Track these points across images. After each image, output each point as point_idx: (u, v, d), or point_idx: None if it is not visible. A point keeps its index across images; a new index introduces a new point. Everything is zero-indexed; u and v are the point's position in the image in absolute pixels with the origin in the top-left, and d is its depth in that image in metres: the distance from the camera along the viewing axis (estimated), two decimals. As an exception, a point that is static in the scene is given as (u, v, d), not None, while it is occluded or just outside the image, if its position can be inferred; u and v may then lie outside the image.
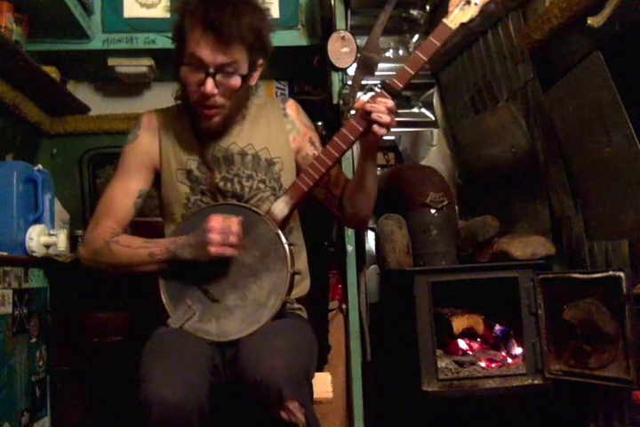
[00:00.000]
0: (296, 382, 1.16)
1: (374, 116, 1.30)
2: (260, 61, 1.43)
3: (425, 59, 1.32)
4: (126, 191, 1.47)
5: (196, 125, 1.47)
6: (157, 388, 1.12)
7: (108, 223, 1.44)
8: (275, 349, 1.21)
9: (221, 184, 1.46)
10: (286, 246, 1.36)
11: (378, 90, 1.33)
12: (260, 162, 1.48)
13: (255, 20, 1.35)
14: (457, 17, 1.32)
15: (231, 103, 1.40)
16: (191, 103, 1.39)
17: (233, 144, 1.48)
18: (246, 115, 1.51)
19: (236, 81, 1.36)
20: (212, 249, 1.30)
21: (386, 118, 1.29)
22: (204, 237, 1.30)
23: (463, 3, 1.32)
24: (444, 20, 1.33)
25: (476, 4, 1.31)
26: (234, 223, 1.31)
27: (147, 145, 1.49)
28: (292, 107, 1.56)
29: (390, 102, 1.31)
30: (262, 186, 1.47)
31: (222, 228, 1.30)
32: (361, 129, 1.35)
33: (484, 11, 1.33)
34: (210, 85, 1.33)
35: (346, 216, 1.52)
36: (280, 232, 1.37)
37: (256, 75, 1.45)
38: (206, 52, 1.31)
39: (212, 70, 1.33)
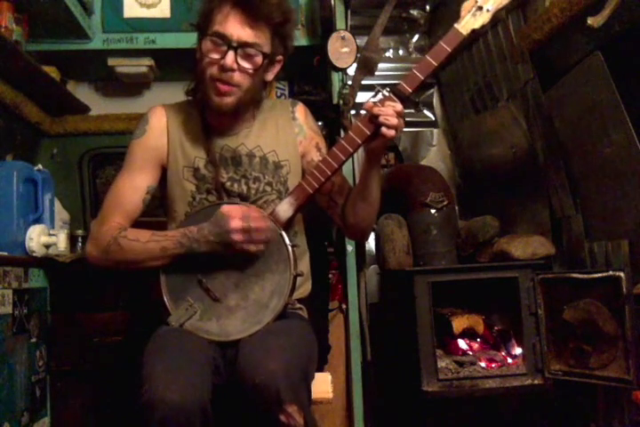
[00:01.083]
0: (294, 386, 1.16)
1: (382, 119, 1.29)
2: (279, 57, 1.43)
3: (435, 64, 1.31)
4: (134, 187, 1.45)
5: (206, 121, 1.46)
6: (160, 388, 1.11)
7: (115, 219, 1.42)
8: (273, 351, 1.21)
9: (228, 184, 1.45)
10: (289, 248, 1.36)
11: (386, 93, 1.33)
12: (268, 164, 1.48)
13: (283, 2, 1.37)
14: (468, 23, 1.30)
15: (247, 86, 1.37)
16: (206, 79, 1.36)
17: (241, 145, 1.47)
18: (256, 115, 1.50)
19: (257, 59, 1.36)
20: (238, 247, 1.30)
21: (394, 121, 1.29)
22: (227, 238, 1.30)
23: (475, 8, 1.30)
24: (455, 25, 1.31)
25: (488, 10, 1.29)
26: (255, 220, 1.30)
27: (155, 141, 1.47)
28: (300, 110, 1.55)
29: (399, 106, 1.30)
30: (269, 188, 1.47)
31: (244, 228, 1.29)
32: (368, 132, 1.34)
33: (495, 17, 1.31)
34: (231, 58, 1.32)
35: (347, 226, 1.50)
36: (283, 233, 1.37)
37: (273, 70, 1.44)
38: (233, 26, 1.32)
39: (235, 44, 1.33)
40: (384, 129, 1.30)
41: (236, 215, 1.30)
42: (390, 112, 1.29)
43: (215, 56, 1.34)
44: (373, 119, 1.31)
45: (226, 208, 1.32)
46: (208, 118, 1.46)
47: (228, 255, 1.34)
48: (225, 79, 1.35)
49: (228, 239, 1.30)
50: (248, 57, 1.35)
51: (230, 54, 1.33)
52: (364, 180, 1.42)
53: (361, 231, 1.54)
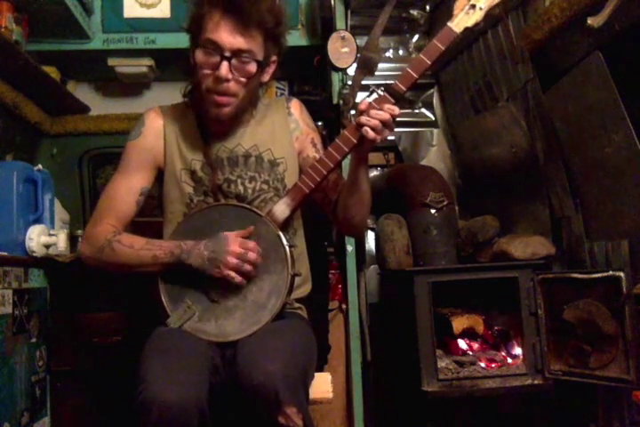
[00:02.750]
0: (293, 387, 1.16)
1: (363, 130, 1.29)
2: (274, 58, 1.43)
3: (429, 62, 1.31)
4: (129, 189, 1.45)
5: (203, 123, 1.46)
6: (158, 388, 1.11)
7: (109, 221, 1.42)
8: (271, 352, 1.21)
9: (225, 186, 1.45)
10: (287, 248, 1.36)
11: (381, 92, 1.32)
12: (263, 163, 1.47)
13: (274, 5, 1.36)
14: (462, 21, 1.30)
15: (244, 94, 1.37)
16: (203, 91, 1.36)
17: (238, 146, 1.47)
18: (254, 115, 1.50)
19: (251, 67, 1.35)
20: (225, 272, 1.31)
21: (371, 134, 1.28)
22: (221, 256, 1.30)
23: (468, 7, 1.30)
24: (448, 23, 1.31)
25: (481, 8, 1.29)
26: (253, 251, 1.32)
27: (151, 143, 1.47)
28: (295, 106, 1.55)
29: (386, 115, 1.28)
30: (266, 187, 1.47)
31: (241, 254, 1.30)
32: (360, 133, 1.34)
33: (488, 15, 1.31)
34: (225, 69, 1.32)
35: (340, 222, 1.50)
36: (281, 234, 1.37)
37: (269, 71, 1.44)
38: (225, 35, 1.31)
39: (228, 54, 1.32)
40: (367, 136, 1.29)
41: (236, 241, 1.32)
42: (375, 123, 1.28)
43: (209, 67, 1.34)
44: (358, 128, 1.31)
45: (230, 234, 1.33)
46: (205, 122, 1.46)
47: (211, 277, 1.33)
48: (221, 90, 1.35)
49: (222, 259, 1.31)
50: (242, 66, 1.34)
51: (224, 65, 1.32)
52: (354, 174, 1.41)
53: (353, 226, 1.53)
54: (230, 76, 1.33)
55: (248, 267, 1.32)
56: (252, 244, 1.33)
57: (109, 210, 1.44)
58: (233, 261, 1.30)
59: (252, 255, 1.31)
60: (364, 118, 1.29)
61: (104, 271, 1.43)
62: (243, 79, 1.35)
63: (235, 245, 1.31)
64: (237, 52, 1.33)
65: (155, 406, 1.09)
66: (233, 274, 1.31)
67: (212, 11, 1.32)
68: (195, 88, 1.41)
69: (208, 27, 1.33)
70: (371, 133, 1.28)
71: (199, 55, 1.35)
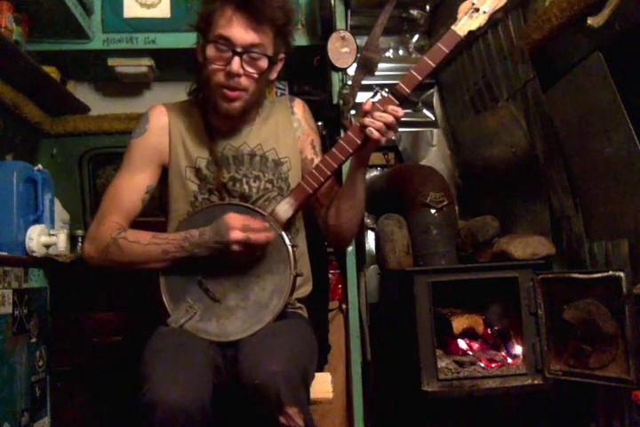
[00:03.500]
0: (294, 387, 1.16)
1: (367, 131, 1.30)
2: (281, 55, 1.43)
3: (433, 65, 1.31)
4: (133, 186, 1.44)
5: (209, 121, 1.47)
6: (160, 389, 1.11)
7: (114, 219, 1.40)
8: (273, 352, 1.21)
9: (230, 184, 1.45)
10: (290, 248, 1.36)
11: (385, 94, 1.33)
12: (268, 163, 1.48)
13: (285, 2, 1.38)
14: (465, 24, 1.31)
15: (254, 89, 1.38)
16: (212, 86, 1.37)
17: (244, 144, 1.47)
18: (260, 113, 1.50)
19: (262, 62, 1.36)
20: (234, 247, 1.30)
21: (375, 134, 1.29)
22: (226, 247, 1.30)
23: (472, 10, 1.31)
24: (452, 27, 1.32)
25: (484, 12, 1.30)
26: (254, 223, 1.31)
27: (155, 140, 1.46)
28: (299, 105, 1.56)
29: (390, 118, 1.29)
30: (270, 186, 1.47)
31: (243, 227, 1.30)
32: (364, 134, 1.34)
33: (492, 19, 1.32)
34: (237, 64, 1.33)
35: (328, 227, 1.48)
36: (283, 233, 1.37)
37: (276, 69, 1.45)
38: (237, 30, 1.32)
39: (239, 50, 1.33)
40: (371, 136, 1.30)
41: (236, 226, 1.30)
42: (379, 125, 1.29)
43: (220, 62, 1.34)
44: (362, 129, 1.32)
45: (229, 218, 1.31)
46: (211, 119, 1.47)
47: (228, 258, 1.34)
48: (232, 85, 1.35)
49: (228, 249, 1.30)
50: (253, 61, 1.35)
51: (236, 60, 1.33)
52: (351, 178, 1.42)
53: (339, 234, 1.50)
54: (242, 71, 1.34)
55: (256, 250, 1.31)
56: (255, 225, 1.32)
57: (114, 208, 1.42)
58: (238, 249, 1.30)
59: (254, 237, 1.30)
60: (367, 120, 1.30)
61: (108, 271, 1.42)
62: (254, 74, 1.36)
63: (235, 234, 1.29)
64: (249, 48, 1.33)
65: (157, 408, 1.09)
66: (243, 257, 1.31)
67: (224, 7, 1.33)
68: (203, 84, 1.41)
69: (219, 23, 1.34)
70: (375, 134, 1.29)
71: (210, 51, 1.35)
